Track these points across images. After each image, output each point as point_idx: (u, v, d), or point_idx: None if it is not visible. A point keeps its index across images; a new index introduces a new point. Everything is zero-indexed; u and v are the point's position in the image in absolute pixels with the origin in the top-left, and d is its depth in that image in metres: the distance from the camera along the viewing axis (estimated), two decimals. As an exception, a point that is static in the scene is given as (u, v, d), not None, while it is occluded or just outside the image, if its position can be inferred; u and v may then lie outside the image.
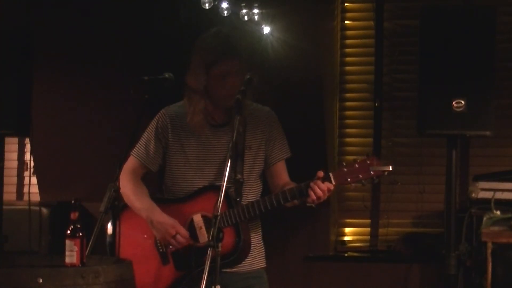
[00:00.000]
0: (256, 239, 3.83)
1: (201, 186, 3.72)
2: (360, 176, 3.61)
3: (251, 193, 3.79)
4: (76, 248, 3.25)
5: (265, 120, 3.83)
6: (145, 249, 3.75)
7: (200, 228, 3.66)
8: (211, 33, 3.78)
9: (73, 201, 3.33)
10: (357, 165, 3.61)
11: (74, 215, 3.30)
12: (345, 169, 3.62)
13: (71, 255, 3.24)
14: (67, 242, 3.25)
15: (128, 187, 3.79)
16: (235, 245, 3.64)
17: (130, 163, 3.86)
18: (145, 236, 3.76)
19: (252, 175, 3.78)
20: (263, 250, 3.89)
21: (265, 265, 3.89)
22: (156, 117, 3.86)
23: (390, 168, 3.63)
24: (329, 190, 3.60)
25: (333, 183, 3.59)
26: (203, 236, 3.64)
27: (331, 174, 3.60)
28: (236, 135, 3.46)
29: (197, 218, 3.67)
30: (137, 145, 3.86)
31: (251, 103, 3.80)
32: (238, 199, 3.66)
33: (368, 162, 3.61)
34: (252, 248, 3.77)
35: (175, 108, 3.87)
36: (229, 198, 3.64)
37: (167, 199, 3.80)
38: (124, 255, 3.68)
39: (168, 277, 3.68)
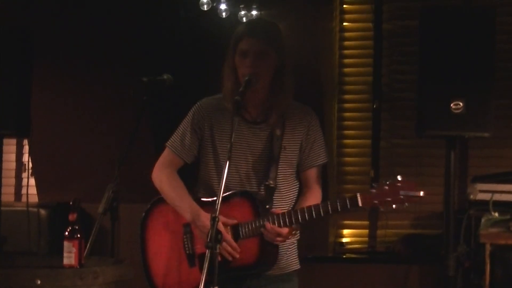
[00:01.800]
0: (289, 242, 3.69)
1: (233, 185, 3.59)
2: (389, 199, 3.41)
3: (284, 199, 3.68)
4: (74, 250, 3.24)
5: (304, 121, 3.71)
6: (173, 250, 3.67)
7: (227, 234, 3.53)
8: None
9: (71, 202, 3.32)
10: (386, 187, 3.42)
11: (72, 217, 3.30)
12: (374, 191, 3.43)
13: (69, 256, 3.24)
14: (65, 243, 3.25)
15: (165, 182, 3.71)
16: (259, 255, 3.54)
17: (165, 155, 3.77)
18: (174, 236, 3.68)
19: (285, 179, 3.68)
20: (296, 251, 3.77)
21: (298, 267, 3.77)
22: (192, 108, 3.75)
23: (422, 194, 3.41)
24: (279, 234, 3.48)
25: (360, 204, 3.42)
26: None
27: (358, 195, 3.44)
28: (235, 137, 3.40)
29: (221, 225, 3.49)
30: (172, 137, 3.76)
31: (292, 102, 3.71)
32: (267, 207, 3.57)
33: (399, 185, 3.42)
34: (284, 250, 3.67)
35: (211, 101, 3.75)
36: (257, 206, 3.55)
37: (200, 200, 3.69)
38: (153, 253, 3.68)
39: (194, 280, 3.57)
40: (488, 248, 4.80)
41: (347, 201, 3.45)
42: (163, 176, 3.73)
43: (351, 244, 6.30)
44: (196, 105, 3.76)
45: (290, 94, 3.68)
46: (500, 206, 5.01)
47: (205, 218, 3.55)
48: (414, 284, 5.85)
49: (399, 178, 3.44)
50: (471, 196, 5.14)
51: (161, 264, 3.67)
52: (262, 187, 3.62)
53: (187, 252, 3.64)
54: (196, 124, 3.72)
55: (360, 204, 3.43)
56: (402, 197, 3.41)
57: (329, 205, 3.46)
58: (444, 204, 4.88)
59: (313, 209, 3.48)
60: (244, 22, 3.73)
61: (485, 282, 4.80)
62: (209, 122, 3.71)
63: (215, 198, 3.57)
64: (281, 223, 3.48)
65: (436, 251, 5.37)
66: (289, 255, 3.74)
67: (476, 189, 5.14)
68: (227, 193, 3.54)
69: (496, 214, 4.96)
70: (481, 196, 5.12)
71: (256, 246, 3.53)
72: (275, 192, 3.64)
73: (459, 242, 4.98)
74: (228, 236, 3.51)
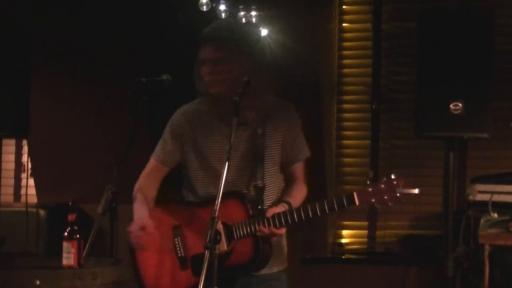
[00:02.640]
0: (276, 241, 3.72)
1: (222, 190, 3.54)
2: (385, 197, 3.42)
3: (270, 195, 3.71)
4: (73, 250, 3.25)
5: (284, 118, 3.72)
6: (164, 253, 3.68)
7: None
8: None
9: (70, 203, 3.32)
10: (382, 185, 3.44)
11: (71, 217, 3.30)
12: (370, 189, 3.45)
13: (69, 257, 3.24)
14: (64, 244, 3.25)
15: (136, 190, 3.79)
16: (253, 256, 3.56)
17: (149, 164, 3.85)
18: (165, 239, 3.69)
19: (270, 176, 3.71)
20: (285, 251, 3.82)
21: (286, 266, 3.82)
22: (172, 116, 3.82)
23: (417, 191, 3.43)
24: (273, 233, 3.53)
25: (357, 203, 3.43)
26: (222, 244, 3.49)
27: (354, 194, 3.45)
28: (234, 138, 3.41)
29: (218, 225, 3.43)
30: (156, 147, 3.84)
31: (271, 98, 3.73)
32: (259, 207, 3.60)
33: (395, 182, 3.43)
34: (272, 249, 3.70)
35: (191, 106, 3.82)
36: (249, 207, 3.57)
37: (189, 202, 3.74)
38: (142, 257, 3.69)
39: (186, 282, 3.61)
40: (487, 249, 4.80)
41: (344, 199, 3.46)
42: (137, 185, 3.81)
43: (350, 245, 6.30)
44: (176, 111, 3.83)
45: (267, 92, 3.69)
46: (499, 207, 5.02)
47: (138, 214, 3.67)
48: (413, 285, 5.85)
49: (392, 176, 3.46)
50: (470, 197, 5.14)
51: (152, 267, 3.68)
52: (251, 188, 3.64)
53: (179, 255, 3.65)
54: (175, 131, 3.77)
55: (357, 202, 3.44)
56: (398, 194, 3.42)
57: (325, 204, 3.48)
58: (443, 205, 4.88)
59: (309, 208, 3.50)
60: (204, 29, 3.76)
61: (484, 283, 4.80)
62: (190, 128, 3.75)
63: (200, 201, 3.65)
64: (277, 224, 3.50)
65: (435, 252, 5.37)
66: (278, 254, 3.75)
67: (475, 190, 5.14)
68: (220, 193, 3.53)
69: (495, 215, 4.96)
70: (480, 197, 5.12)
71: (250, 246, 3.55)
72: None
73: (458, 243, 4.98)
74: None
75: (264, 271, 3.68)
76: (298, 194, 3.72)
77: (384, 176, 3.48)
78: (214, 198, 3.42)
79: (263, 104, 3.67)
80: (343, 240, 6.31)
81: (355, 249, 6.27)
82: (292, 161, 3.75)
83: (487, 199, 5.02)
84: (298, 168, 3.77)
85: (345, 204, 3.46)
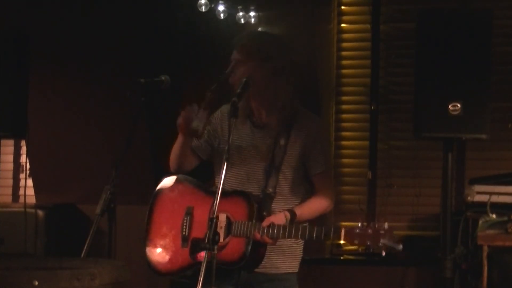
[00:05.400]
0: (287, 244, 3.79)
1: (234, 186, 3.73)
2: (368, 243, 3.62)
3: (288, 202, 3.77)
4: None
5: (307, 128, 3.79)
6: (171, 227, 3.77)
7: (221, 227, 3.63)
8: None
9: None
10: (370, 231, 3.61)
11: None
12: (357, 230, 3.60)
13: None
14: None
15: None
16: (242, 256, 3.62)
17: None
18: (176, 215, 3.77)
19: (287, 184, 3.77)
20: (297, 254, 3.87)
21: (296, 270, 3.86)
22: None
23: (400, 248, 3.64)
24: (265, 242, 3.61)
25: (341, 239, 3.60)
26: (220, 237, 3.58)
27: (342, 230, 3.59)
28: (233, 138, 3.44)
29: (222, 218, 3.63)
30: None
31: (302, 109, 3.81)
32: (264, 213, 3.65)
33: (382, 232, 3.62)
34: (281, 251, 3.76)
35: (227, 107, 3.86)
36: (253, 210, 3.64)
37: (208, 190, 3.81)
38: (153, 225, 3.79)
39: (182, 260, 3.70)
40: (485, 250, 4.80)
41: (331, 231, 3.60)
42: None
43: (348, 246, 6.30)
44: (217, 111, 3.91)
45: (287, 97, 3.74)
46: (498, 207, 5.02)
47: None
48: (411, 286, 5.85)
49: (385, 226, 3.63)
50: (469, 198, 5.14)
51: (158, 237, 3.77)
52: (261, 193, 3.70)
53: (183, 233, 3.72)
54: (212, 125, 3.84)
55: (341, 238, 3.60)
56: (381, 245, 3.62)
57: (314, 231, 3.60)
58: (442, 206, 4.88)
59: (300, 230, 3.58)
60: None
61: (482, 284, 4.80)
62: (222, 126, 3.82)
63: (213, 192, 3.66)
64: (269, 235, 3.57)
65: (433, 253, 5.37)
66: (288, 256, 3.81)
67: (473, 191, 5.14)
68: (230, 190, 3.68)
69: (494, 216, 4.96)
70: (479, 198, 5.12)
71: (243, 246, 3.61)
72: (279, 196, 3.72)
73: (456, 244, 4.98)
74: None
75: (272, 270, 3.75)
76: (310, 205, 3.79)
77: (375, 222, 3.65)
78: (228, 193, 3.58)
79: (285, 109, 3.75)
80: (342, 241, 6.29)
81: (353, 250, 6.26)
82: (313, 172, 3.80)
83: (486, 200, 5.02)
84: (320, 180, 3.82)
85: (331, 236, 3.61)
